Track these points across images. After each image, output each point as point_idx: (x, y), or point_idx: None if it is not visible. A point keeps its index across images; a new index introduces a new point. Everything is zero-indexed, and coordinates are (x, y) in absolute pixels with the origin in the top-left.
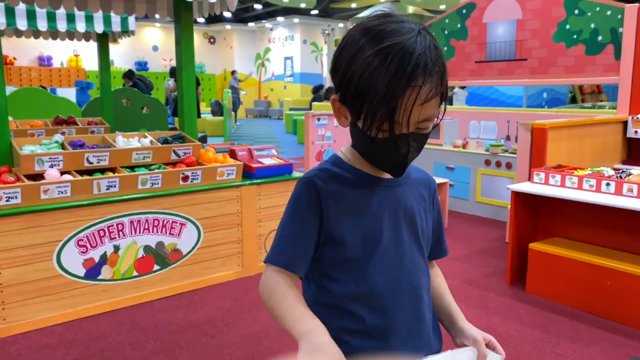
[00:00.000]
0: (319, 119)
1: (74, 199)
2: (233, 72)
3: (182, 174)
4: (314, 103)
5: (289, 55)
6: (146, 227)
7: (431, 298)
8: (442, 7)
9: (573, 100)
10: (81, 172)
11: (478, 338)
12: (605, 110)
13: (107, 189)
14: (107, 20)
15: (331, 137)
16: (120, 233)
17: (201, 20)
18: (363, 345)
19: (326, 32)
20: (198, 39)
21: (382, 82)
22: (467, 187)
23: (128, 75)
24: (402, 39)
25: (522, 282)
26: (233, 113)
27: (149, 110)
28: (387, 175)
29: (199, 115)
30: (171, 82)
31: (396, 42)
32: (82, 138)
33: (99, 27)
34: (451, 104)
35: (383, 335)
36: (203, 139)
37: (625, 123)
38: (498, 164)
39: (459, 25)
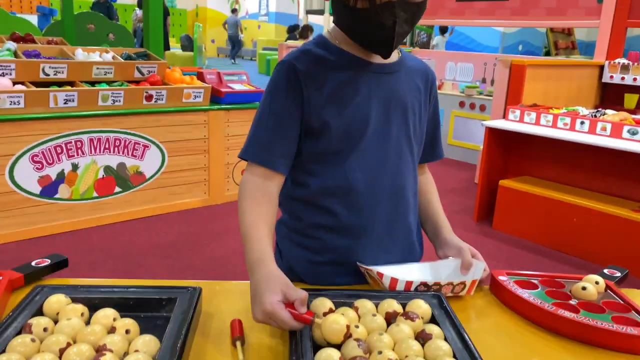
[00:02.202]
0: None
1: (27, 112)
2: (234, 11)
3: (146, 92)
4: (289, 42)
5: None
6: (107, 146)
7: (417, 203)
8: None
9: (547, 55)
10: (37, 85)
11: (463, 247)
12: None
13: (65, 103)
14: None
15: None
16: (79, 151)
17: None
18: (336, 242)
19: None
20: None
21: None
22: None
23: None
24: None
25: (490, 220)
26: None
27: (115, 38)
28: (379, 59)
29: (167, 48)
30: (139, 12)
31: None
32: (39, 49)
33: None
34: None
35: (358, 234)
36: None
37: (601, 68)
38: (472, 106)
39: None
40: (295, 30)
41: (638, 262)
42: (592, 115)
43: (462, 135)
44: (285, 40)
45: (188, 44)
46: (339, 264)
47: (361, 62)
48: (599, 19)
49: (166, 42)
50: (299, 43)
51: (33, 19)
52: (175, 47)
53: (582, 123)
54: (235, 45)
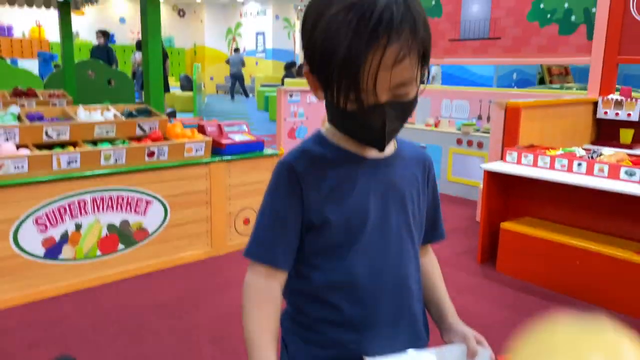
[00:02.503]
0: (291, 95)
1: (31, 175)
2: (236, 50)
3: (148, 149)
4: (286, 80)
5: (261, 31)
6: (110, 204)
7: (422, 288)
8: None
9: (541, 82)
10: (40, 147)
11: (468, 335)
12: (574, 92)
13: (68, 165)
14: None
15: (304, 114)
16: (82, 211)
17: None
18: (341, 336)
19: (299, 7)
20: (167, 12)
21: (343, 44)
22: (438, 166)
23: (103, 32)
24: None
25: (493, 261)
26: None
27: (115, 84)
28: (375, 153)
29: (167, 90)
30: (138, 55)
31: None
32: (41, 110)
33: None
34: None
35: (363, 327)
36: (172, 114)
37: (595, 104)
38: (470, 143)
39: (433, 2)
40: (292, 67)
41: None
42: (588, 156)
43: (460, 172)
44: (282, 79)
45: (187, 83)
46: (344, 358)
47: (358, 157)
48: (590, 56)
49: (166, 84)
50: (297, 82)
51: (34, 63)
52: (175, 86)
53: (579, 165)
54: (237, 82)
